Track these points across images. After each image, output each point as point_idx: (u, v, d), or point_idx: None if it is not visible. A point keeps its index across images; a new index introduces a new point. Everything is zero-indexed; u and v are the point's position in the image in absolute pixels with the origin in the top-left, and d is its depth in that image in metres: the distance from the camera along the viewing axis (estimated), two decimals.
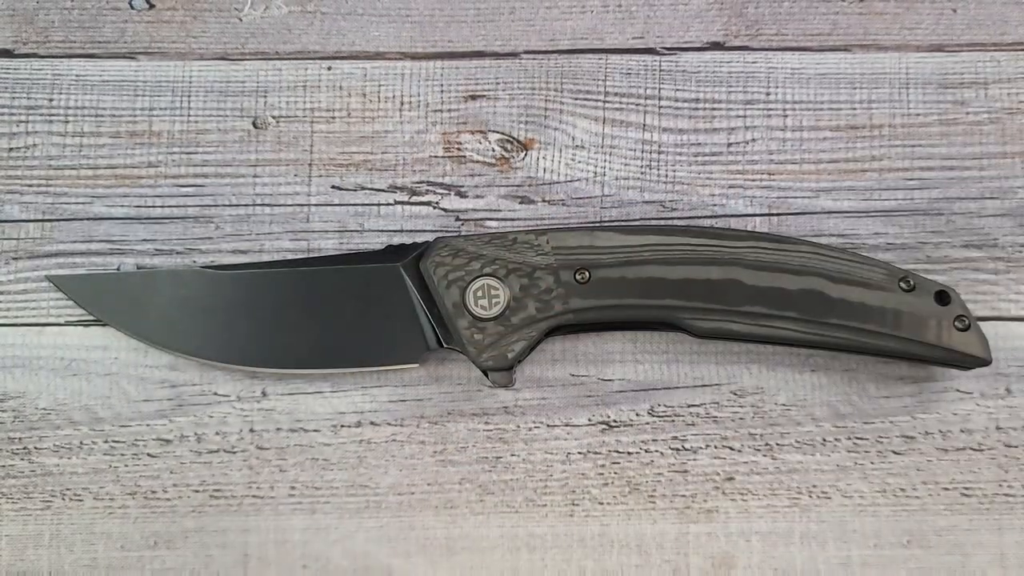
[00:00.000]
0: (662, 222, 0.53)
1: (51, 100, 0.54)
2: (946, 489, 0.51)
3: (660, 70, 0.54)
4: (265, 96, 0.54)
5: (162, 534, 0.50)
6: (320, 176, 0.54)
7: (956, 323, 0.48)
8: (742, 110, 0.54)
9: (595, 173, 0.54)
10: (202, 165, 0.54)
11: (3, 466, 0.51)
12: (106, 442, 0.51)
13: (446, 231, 0.53)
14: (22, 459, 0.51)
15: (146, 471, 0.51)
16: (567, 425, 0.51)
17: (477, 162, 0.54)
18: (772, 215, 0.53)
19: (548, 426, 0.51)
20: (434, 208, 0.53)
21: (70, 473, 0.51)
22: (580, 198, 0.53)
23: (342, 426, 0.51)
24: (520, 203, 0.53)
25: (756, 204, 0.53)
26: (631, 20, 0.55)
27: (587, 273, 0.49)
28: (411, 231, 0.53)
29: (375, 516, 0.51)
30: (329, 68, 0.54)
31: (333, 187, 0.54)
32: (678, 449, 0.51)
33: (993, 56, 0.54)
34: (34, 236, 0.53)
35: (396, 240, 0.53)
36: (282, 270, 0.51)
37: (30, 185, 0.53)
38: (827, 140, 0.54)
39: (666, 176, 0.53)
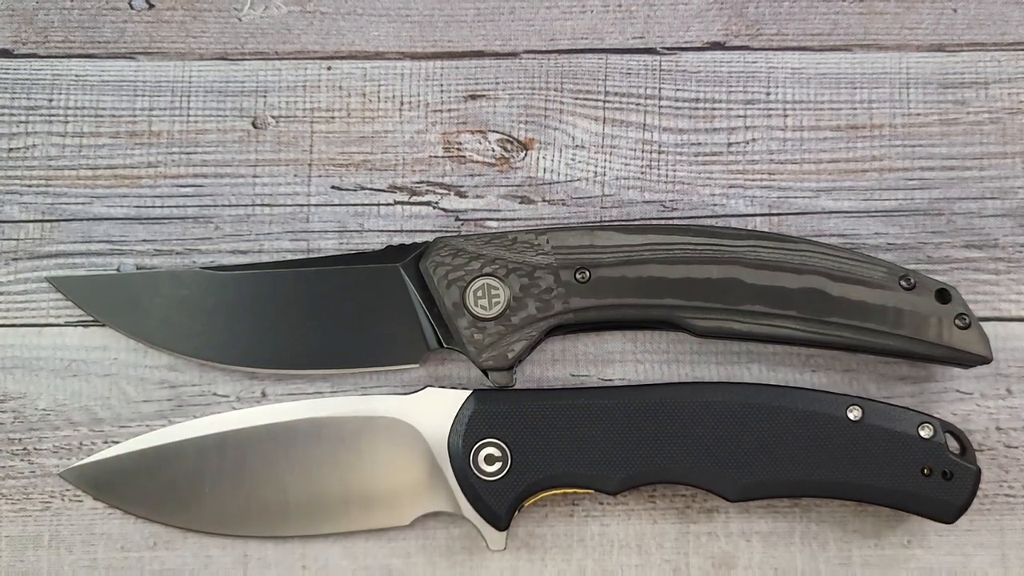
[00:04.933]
0: (662, 222, 0.53)
1: (51, 100, 0.54)
2: None
3: (660, 70, 0.54)
4: (265, 96, 0.54)
5: (161, 535, 0.50)
6: (320, 176, 0.54)
7: (957, 321, 0.48)
8: (742, 110, 0.54)
9: (595, 173, 0.53)
10: (201, 165, 0.54)
11: (2, 467, 0.51)
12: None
13: (446, 231, 0.53)
14: (22, 460, 0.51)
15: None
16: None
17: (477, 162, 0.54)
18: (772, 215, 0.53)
19: None
20: (434, 208, 0.53)
21: None
22: (580, 198, 0.53)
23: None
24: (520, 203, 0.53)
25: (756, 204, 0.53)
26: (631, 20, 0.55)
27: (587, 272, 0.49)
28: (411, 231, 0.53)
29: None
30: (329, 68, 0.54)
31: (333, 187, 0.53)
32: None
33: (993, 56, 0.54)
34: (34, 236, 0.53)
35: (396, 240, 0.53)
36: (282, 271, 0.51)
37: (30, 185, 0.53)
38: (827, 140, 0.54)
39: (666, 176, 0.53)
